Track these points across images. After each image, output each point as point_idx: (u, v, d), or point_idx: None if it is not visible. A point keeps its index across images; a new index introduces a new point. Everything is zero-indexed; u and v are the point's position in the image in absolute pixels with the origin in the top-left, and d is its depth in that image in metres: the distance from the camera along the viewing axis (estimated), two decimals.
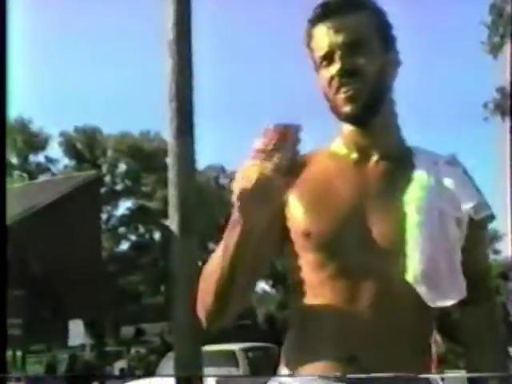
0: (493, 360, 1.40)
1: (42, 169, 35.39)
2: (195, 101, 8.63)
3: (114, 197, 34.61)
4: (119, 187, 35.57)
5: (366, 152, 1.43)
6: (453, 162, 1.44)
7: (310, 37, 1.44)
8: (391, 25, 1.47)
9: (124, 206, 35.80)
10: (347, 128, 1.44)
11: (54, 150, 36.57)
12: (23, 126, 33.35)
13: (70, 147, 35.46)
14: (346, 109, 1.38)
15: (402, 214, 1.36)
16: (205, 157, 37.03)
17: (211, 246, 26.96)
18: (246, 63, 52.52)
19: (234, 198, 1.23)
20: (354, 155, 1.44)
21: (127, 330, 25.41)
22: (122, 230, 35.24)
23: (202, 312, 1.38)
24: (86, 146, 35.18)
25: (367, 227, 1.37)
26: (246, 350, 12.35)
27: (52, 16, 47.87)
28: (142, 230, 35.40)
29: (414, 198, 1.37)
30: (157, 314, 25.34)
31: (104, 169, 34.74)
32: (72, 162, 35.82)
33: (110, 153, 35.34)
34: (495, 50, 18.37)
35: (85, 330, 18.52)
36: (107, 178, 34.49)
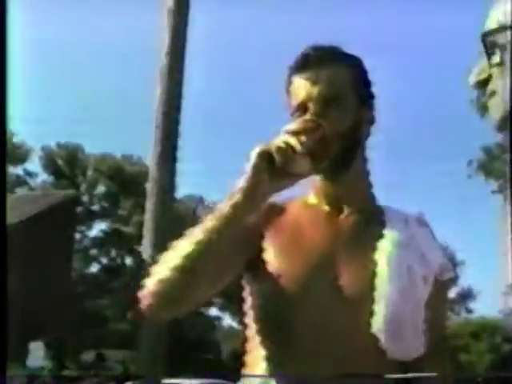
0: None
1: (20, 181, 35.00)
2: (181, 131, 8.65)
3: (90, 217, 34.28)
4: (96, 208, 35.25)
5: (336, 204, 1.47)
6: (422, 221, 1.48)
7: (289, 84, 1.47)
8: (370, 82, 1.50)
9: (98, 228, 35.44)
10: (318, 180, 1.47)
11: (34, 163, 36.16)
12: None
13: (50, 162, 35.20)
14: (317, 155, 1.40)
15: (371, 265, 1.38)
16: (184, 186, 36.95)
17: None
18: (234, 100, 52.81)
19: (251, 158, 1.27)
20: (326, 207, 1.48)
21: (88, 355, 24.98)
22: (93, 251, 34.84)
23: (155, 296, 1.33)
24: (66, 163, 34.93)
25: (336, 276, 1.38)
26: None
27: (42, 27, 47.96)
28: (114, 253, 35.03)
29: (384, 251, 1.40)
30: (120, 340, 24.96)
31: (82, 188, 34.47)
32: (50, 178, 35.50)
33: (89, 172, 35.09)
34: (483, 109, 18.59)
35: (45, 352, 18.18)
36: (85, 198, 34.20)
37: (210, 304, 32.29)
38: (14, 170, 35.08)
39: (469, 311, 37.22)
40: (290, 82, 1.47)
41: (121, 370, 22.03)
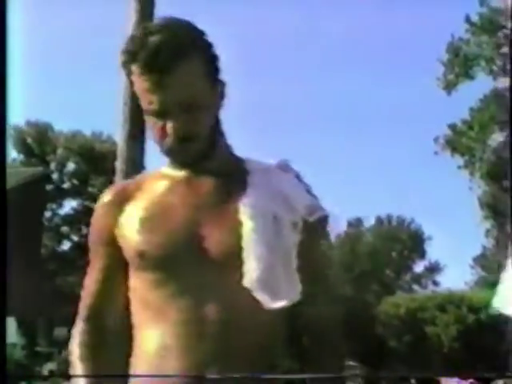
0: (331, 361, 1.40)
1: None
2: None
3: (60, 195, 34.12)
4: (66, 186, 35.09)
5: (194, 170, 1.43)
6: (285, 167, 1.45)
7: (129, 72, 1.38)
8: (217, 56, 1.40)
9: (69, 206, 35.30)
10: None
11: None
12: None
13: (19, 140, 34.85)
14: (181, 159, 1.41)
15: (236, 222, 1.36)
16: (153, 163, 36.84)
17: None
18: None
19: None
20: (184, 173, 1.43)
21: (60, 332, 25.03)
22: (64, 229, 34.74)
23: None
24: (36, 141, 34.64)
25: (202, 240, 1.36)
26: None
27: (17, 7, 47.16)
28: (85, 231, 34.94)
29: (247, 205, 1.37)
30: None
31: (52, 166, 34.26)
32: (20, 156, 35.21)
33: (59, 150, 34.86)
34: (449, 86, 18.86)
35: (17, 329, 18.19)
36: (55, 176, 34.01)
37: None
38: None
39: (436, 284, 37.93)
40: (129, 70, 1.37)
41: None
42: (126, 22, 8.59)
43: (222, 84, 1.43)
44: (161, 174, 1.47)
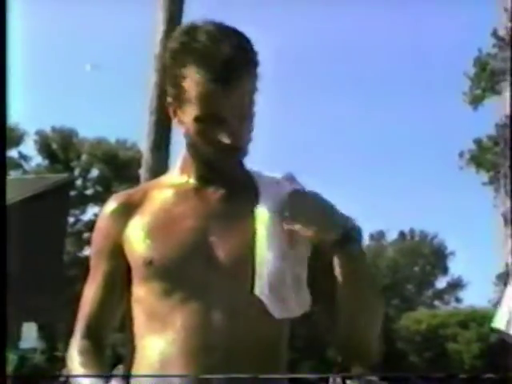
0: (367, 293, 1.33)
1: (13, 164, 35.00)
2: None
3: (83, 201, 34.32)
4: (89, 192, 35.29)
5: (204, 179, 1.42)
6: (291, 180, 1.43)
7: (178, 74, 1.33)
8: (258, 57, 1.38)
9: (92, 212, 35.49)
10: (185, 158, 1.44)
11: (29, 147, 36.15)
12: None
13: (44, 146, 35.15)
14: (222, 167, 1.38)
15: (247, 232, 1.35)
16: None
17: None
18: None
19: None
20: (192, 181, 1.43)
21: None
22: (86, 235, 34.92)
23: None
24: (60, 147, 34.90)
25: (211, 249, 1.35)
26: None
27: (39, 15, 47.71)
28: None
29: (260, 215, 1.36)
30: None
31: (76, 172, 34.49)
32: (45, 162, 35.48)
33: (84, 157, 35.10)
34: (476, 101, 18.72)
35: (38, 333, 18.29)
36: (78, 182, 34.23)
37: None
38: (7, 153, 35.07)
39: (458, 301, 37.55)
40: (181, 72, 1.32)
41: (111, 353, 22.19)
42: (154, 29, 8.63)
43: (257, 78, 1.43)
44: (167, 183, 1.47)
